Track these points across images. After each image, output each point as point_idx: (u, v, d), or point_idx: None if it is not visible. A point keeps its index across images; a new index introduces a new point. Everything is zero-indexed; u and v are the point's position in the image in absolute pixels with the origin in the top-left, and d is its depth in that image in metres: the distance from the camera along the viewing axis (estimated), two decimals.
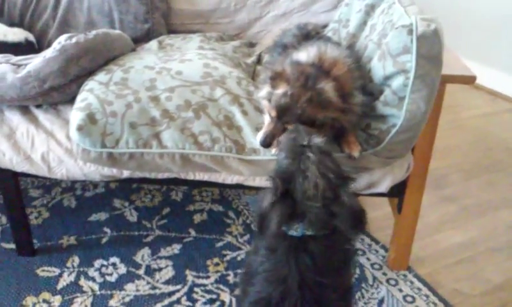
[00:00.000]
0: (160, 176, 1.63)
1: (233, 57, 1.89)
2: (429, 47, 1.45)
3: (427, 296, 1.82)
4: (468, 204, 2.41)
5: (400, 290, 1.84)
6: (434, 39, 1.44)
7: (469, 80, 1.58)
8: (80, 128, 1.49)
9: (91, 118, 1.51)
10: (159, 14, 2.21)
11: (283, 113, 1.42)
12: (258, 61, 2.08)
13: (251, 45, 2.24)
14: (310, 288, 1.14)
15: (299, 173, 1.13)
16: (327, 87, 1.44)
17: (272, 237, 1.17)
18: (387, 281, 1.88)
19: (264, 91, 1.50)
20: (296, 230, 1.17)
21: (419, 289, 1.85)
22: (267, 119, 1.49)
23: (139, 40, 2.13)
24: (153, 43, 2.02)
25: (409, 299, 1.80)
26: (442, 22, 1.51)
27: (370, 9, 1.94)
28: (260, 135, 1.46)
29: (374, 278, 1.88)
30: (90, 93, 1.57)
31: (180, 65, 1.69)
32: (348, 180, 1.16)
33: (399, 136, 1.52)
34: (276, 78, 1.46)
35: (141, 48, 1.97)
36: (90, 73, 1.68)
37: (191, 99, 1.57)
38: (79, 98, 1.59)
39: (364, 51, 1.77)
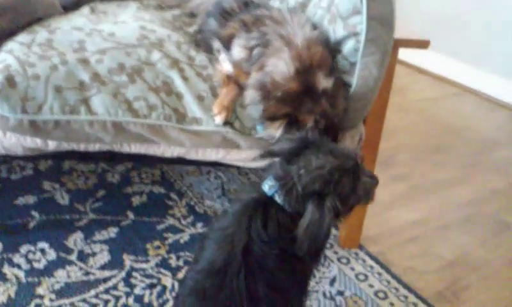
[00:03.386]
0: (91, 148, 1.47)
1: (173, 23, 1.75)
2: (381, 8, 1.37)
3: (379, 274, 1.75)
4: (417, 183, 2.39)
5: (352, 269, 1.76)
6: None
7: (423, 44, 1.52)
8: None
9: (9, 81, 1.33)
10: None
11: (328, 131, 1.33)
12: (200, 31, 1.95)
13: (192, 15, 2.09)
14: (255, 256, 1.03)
15: (329, 152, 1.07)
16: (324, 83, 1.36)
17: (248, 185, 1.09)
18: (338, 259, 1.80)
19: (278, 133, 1.37)
20: (269, 188, 1.08)
21: (371, 267, 1.78)
22: None
23: (70, 8, 1.93)
24: (84, 9, 1.84)
25: (361, 277, 1.73)
26: None
27: None
28: None
29: (325, 257, 1.79)
30: (9, 54, 1.40)
31: (113, 27, 1.54)
32: (343, 203, 1.06)
33: (352, 104, 1.44)
34: (296, 118, 1.35)
35: (70, 13, 1.79)
36: (10, 34, 1.50)
37: (124, 62, 1.43)
38: None
39: (313, 18, 1.67)
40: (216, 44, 1.61)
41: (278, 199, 1.07)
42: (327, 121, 1.33)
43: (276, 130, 1.36)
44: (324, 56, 1.43)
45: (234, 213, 1.08)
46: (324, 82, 1.37)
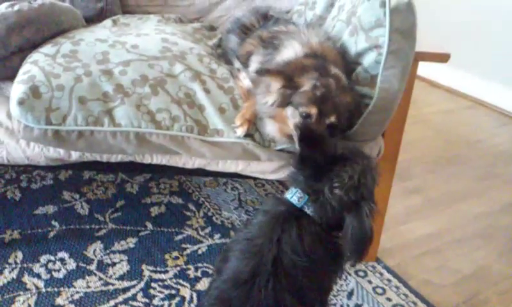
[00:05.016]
0: (113, 159, 1.48)
1: (193, 35, 1.77)
2: (403, 20, 1.37)
3: (397, 287, 1.74)
4: (432, 196, 2.38)
5: (370, 282, 1.76)
6: (408, 12, 1.37)
7: (443, 58, 1.52)
8: (21, 102, 1.33)
9: (34, 92, 1.35)
10: None
11: (324, 104, 1.30)
12: (219, 45, 1.97)
13: (212, 28, 2.12)
14: (285, 267, 1.03)
15: (348, 160, 1.09)
16: (336, 71, 1.37)
17: (273, 198, 1.16)
18: (356, 272, 1.79)
19: (272, 97, 1.36)
20: (298, 200, 1.10)
21: (389, 280, 1.77)
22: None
23: (92, 20, 1.97)
24: (106, 22, 1.87)
25: (379, 290, 1.72)
26: None
27: None
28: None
29: (343, 270, 1.79)
30: (34, 65, 1.42)
31: (136, 39, 1.56)
32: (373, 202, 1.10)
33: (372, 117, 1.43)
34: (290, 78, 1.34)
35: (93, 26, 1.82)
36: (35, 46, 1.52)
37: (147, 74, 1.44)
38: (21, 70, 1.42)
39: (331, 31, 1.69)
40: (237, 63, 1.65)
41: (308, 210, 1.08)
42: (326, 90, 1.31)
43: (270, 96, 1.36)
44: (338, 58, 1.45)
45: (261, 224, 1.09)
46: (336, 71, 1.37)
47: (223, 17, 2.22)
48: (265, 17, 1.89)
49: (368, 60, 1.41)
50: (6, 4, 1.47)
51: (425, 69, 3.87)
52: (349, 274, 1.77)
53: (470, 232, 2.14)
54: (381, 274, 1.80)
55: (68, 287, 1.58)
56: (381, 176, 1.65)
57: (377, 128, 1.49)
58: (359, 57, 1.45)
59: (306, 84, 1.32)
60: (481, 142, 3.03)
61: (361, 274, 1.79)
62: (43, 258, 1.69)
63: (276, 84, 1.35)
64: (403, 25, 1.37)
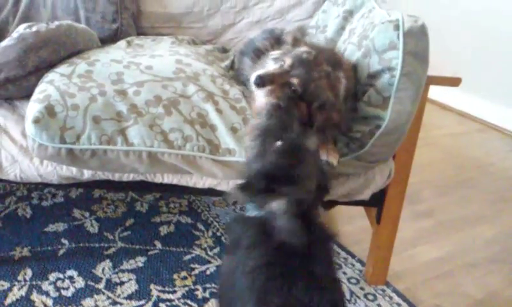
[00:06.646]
0: (125, 177, 1.49)
1: (206, 57, 1.79)
2: (416, 43, 1.38)
3: None
4: (443, 220, 2.36)
5: (379, 306, 1.74)
6: (421, 35, 1.38)
7: (454, 82, 1.53)
8: (37, 121, 1.35)
9: (49, 111, 1.37)
10: (128, 15, 2.09)
11: (299, 65, 1.35)
12: (231, 67, 1.99)
13: (225, 50, 2.14)
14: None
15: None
16: (343, 80, 1.40)
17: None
18: (365, 296, 1.78)
19: (278, 52, 1.43)
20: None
21: (399, 304, 1.75)
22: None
23: (106, 41, 2.00)
24: (121, 43, 1.90)
25: None
26: None
27: (348, 15, 1.89)
28: (257, 72, 1.36)
29: (352, 293, 1.78)
30: (50, 85, 1.44)
31: (150, 60, 1.58)
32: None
33: (383, 138, 1.44)
34: (298, 40, 1.44)
35: (108, 46, 1.85)
36: (51, 66, 1.55)
37: (161, 94, 1.46)
38: (37, 89, 1.45)
39: (343, 53, 1.70)
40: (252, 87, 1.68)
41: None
42: (313, 61, 1.36)
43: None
44: (349, 75, 1.46)
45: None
46: (341, 75, 1.41)
47: (235, 39, 2.25)
48: (278, 40, 1.90)
49: (380, 82, 1.42)
50: (24, 25, 1.51)
51: (435, 92, 3.91)
52: (358, 297, 1.76)
53: (482, 257, 2.12)
54: (391, 298, 1.78)
55: (77, 305, 1.58)
56: (391, 198, 1.68)
57: (388, 150, 1.49)
58: (371, 78, 1.45)
59: (304, 47, 1.40)
60: (492, 166, 3.02)
61: (370, 297, 1.77)
62: (52, 276, 1.69)
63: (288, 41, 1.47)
64: (416, 48, 1.38)
